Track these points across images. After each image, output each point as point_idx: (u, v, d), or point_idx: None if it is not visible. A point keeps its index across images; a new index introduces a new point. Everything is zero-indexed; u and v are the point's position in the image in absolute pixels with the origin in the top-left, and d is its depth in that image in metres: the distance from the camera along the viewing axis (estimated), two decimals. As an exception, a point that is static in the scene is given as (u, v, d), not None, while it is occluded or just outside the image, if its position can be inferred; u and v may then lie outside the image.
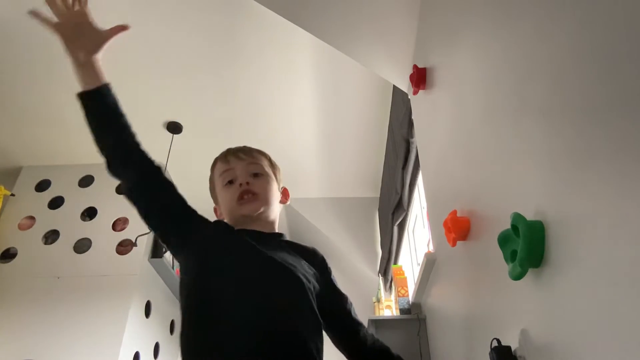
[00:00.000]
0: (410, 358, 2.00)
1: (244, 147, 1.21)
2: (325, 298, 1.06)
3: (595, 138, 0.65)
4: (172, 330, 3.45)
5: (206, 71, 2.81)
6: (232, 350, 0.87)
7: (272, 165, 1.21)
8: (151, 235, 3.15)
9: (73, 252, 3.08)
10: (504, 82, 1.00)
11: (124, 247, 3.12)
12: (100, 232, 3.17)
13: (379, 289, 3.34)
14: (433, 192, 1.84)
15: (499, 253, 0.94)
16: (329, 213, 3.92)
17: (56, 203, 3.32)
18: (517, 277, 0.85)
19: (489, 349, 0.96)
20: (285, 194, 1.21)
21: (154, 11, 2.45)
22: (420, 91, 1.90)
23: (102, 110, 1.06)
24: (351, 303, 1.15)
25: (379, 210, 3.75)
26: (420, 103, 1.98)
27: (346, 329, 1.12)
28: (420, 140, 2.04)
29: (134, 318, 2.88)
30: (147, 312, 3.10)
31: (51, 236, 3.18)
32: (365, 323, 2.40)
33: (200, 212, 1.10)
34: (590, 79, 0.66)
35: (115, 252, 3.09)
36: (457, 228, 1.29)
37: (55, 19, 1.05)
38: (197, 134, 3.28)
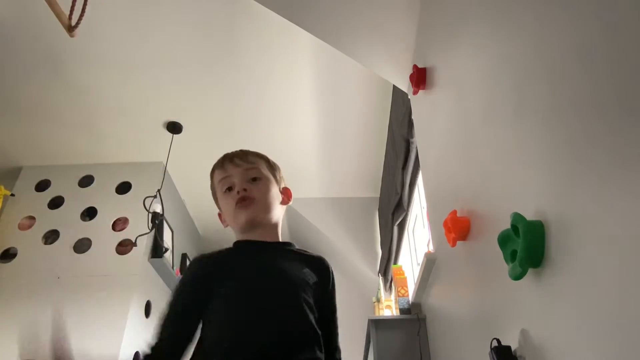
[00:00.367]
0: (410, 358, 2.00)
1: (241, 151, 1.20)
2: (319, 307, 1.05)
3: (596, 138, 0.65)
4: (172, 330, 3.45)
5: (206, 71, 2.81)
6: None
7: (271, 166, 1.20)
8: (151, 235, 3.15)
9: (73, 252, 3.08)
10: (504, 82, 1.00)
11: (124, 247, 3.12)
12: (100, 232, 3.17)
13: (379, 289, 3.34)
14: (433, 192, 1.84)
15: (499, 253, 0.94)
16: (329, 213, 3.92)
17: (56, 203, 3.31)
18: (517, 277, 0.85)
19: (489, 349, 0.96)
20: (286, 193, 1.20)
21: (155, 11, 2.45)
22: (420, 91, 1.90)
23: None
24: (336, 327, 1.10)
25: (379, 210, 3.75)
26: (420, 103, 1.98)
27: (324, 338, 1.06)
28: (420, 140, 2.04)
29: (134, 318, 2.88)
30: (147, 312, 3.10)
31: (51, 236, 3.18)
32: (365, 323, 2.40)
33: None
34: (590, 78, 0.66)
35: (115, 252, 3.09)
36: (457, 228, 1.29)
37: None
38: (197, 134, 3.28)
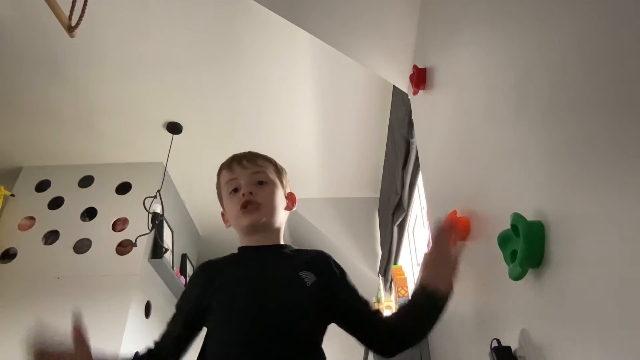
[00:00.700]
0: (410, 358, 1.99)
1: (249, 153, 1.20)
2: (335, 300, 1.05)
3: (596, 138, 0.65)
4: (172, 331, 3.45)
5: (206, 71, 2.81)
6: None
7: (278, 170, 1.20)
8: (151, 235, 3.15)
9: (73, 252, 3.08)
10: (504, 82, 1.00)
11: (124, 247, 3.12)
12: (100, 232, 3.17)
13: (379, 289, 3.34)
14: (433, 193, 1.84)
15: (498, 253, 0.94)
16: (328, 213, 3.92)
17: (56, 203, 3.32)
18: (517, 277, 0.85)
19: (489, 349, 0.96)
20: (291, 199, 1.20)
21: (155, 11, 2.45)
22: (420, 91, 1.90)
23: None
24: (367, 302, 1.09)
25: (379, 210, 3.74)
26: (420, 103, 1.98)
27: (367, 325, 1.06)
28: (420, 140, 2.04)
29: (134, 318, 2.88)
30: (147, 313, 3.10)
31: (51, 236, 3.18)
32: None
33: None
34: (591, 79, 0.66)
35: (115, 252, 3.09)
36: (457, 228, 1.29)
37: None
38: (197, 135, 3.28)
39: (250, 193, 1.10)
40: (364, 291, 1.12)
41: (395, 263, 3.12)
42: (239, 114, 3.14)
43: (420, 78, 1.83)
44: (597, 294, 0.64)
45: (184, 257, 3.83)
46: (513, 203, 0.94)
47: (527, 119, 0.88)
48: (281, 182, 1.18)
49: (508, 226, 0.87)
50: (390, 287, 3.17)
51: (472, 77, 1.25)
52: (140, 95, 2.96)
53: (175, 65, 2.76)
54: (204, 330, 1.06)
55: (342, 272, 1.12)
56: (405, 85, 2.22)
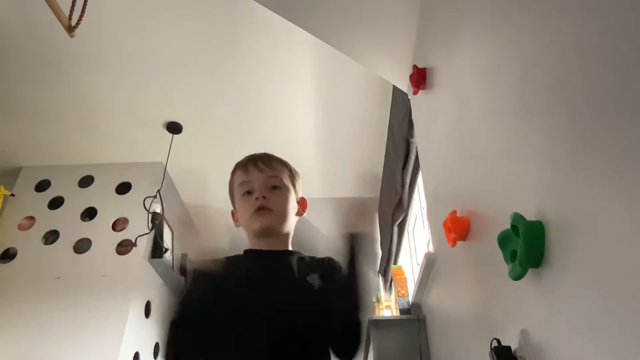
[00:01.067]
0: (410, 358, 2.00)
1: (265, 155, 1.19)
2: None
3: (596, 138, 0.65)
4: (172, 331, 3.45)
5: (206, 71, 2.81)
6: None
7: (292, 175, 1.20)
8: (151, 235, 3.15)
9: (73, 252, 3.08)
10: (504, 82, 1.00)
11: (124, 247, 3.12)
12: (100, 232, 3.17)
13: (379, 289, 3.34)
14: (433, 192, 1.84)
15: (498, 253, 0.94)
16: (328, 213, 3.92)
17: (56, 203, 3.32)
18: (517, 277, 0.85)
19: (489, 349, 0.96)
20: (302, 204, 1.21)
21: (155, 12, 2.44)
22: (420, 91, 1.90)
23: None
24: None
25: (379, 210, 3.74)
26: (420, 103, 1.98)
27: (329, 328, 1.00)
28: (420, 140, 2.04)
29: (134, 318, 2.88)
30: (147, 312, 3.10)
31: (51, 236, 3.18)
32: (365, 324, 2.40)
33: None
34: (590, 79, 0.66)
35: (115, 252, 3.09)
36: (457, 228, 1.29)
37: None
38: (197, 134, 3.28)
39: (264, 197, 1.09)
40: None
41: (395, 263, 3.12)
42: (239, 114, 3.14)
43: (420, 78, 1.84)
44: (597, 294, 0.64)
45: (184, 257, 3.83)
46: (513, 203, 0.94)
47: (527, 119, 0.88)
48: (294, 186, 1.18)
49: (508, 226, 0.87)
50: (390, 287, 3.17)
51: (472, 77, 1.25)
52: (141, 95, 2.96)
53: (175, 66, 2.76)
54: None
55: (351, 266, 1.09)
56: (405, 85, 2.22)
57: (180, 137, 3.26)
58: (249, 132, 3.27)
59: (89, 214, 3.29)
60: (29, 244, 3.10)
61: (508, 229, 0.88)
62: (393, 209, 2.88)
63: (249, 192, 1.12)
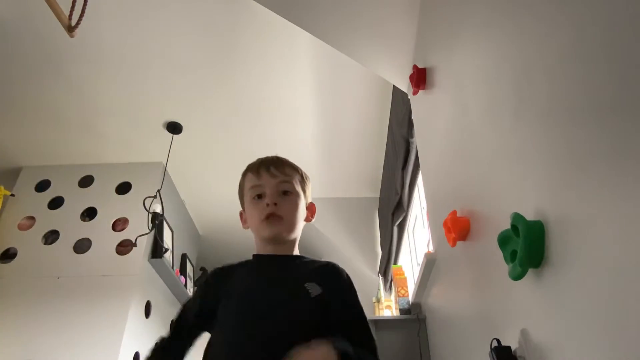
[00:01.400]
0: (411, 358, 2.00)
1: (278, 159, 1.19)
2: (331, 313, 1.01)
3: (595, 138, 0.65)
4: (172, 331, 3.45)
5: (206, 71, 2.81)
6: None
7: (303, 180, 1.19)
8: (151, 235, 3.14)
9: (73, 252, 3.08)
10: (504, 82, 1.00)
11: (124, 247, 3.12)
12: (100, 232, 3.17)
13: (379, 289, 3.34)
14: (433, 192, 1.84)
15: (499, 253, 0.94)
16: (329, 213, 3.92)
17: (56, 203, 3.31)
18: (517, 277, 0.85)
19: (489, 349, 0.96)
20: (311, 210, 1.20)
21: (155, 11, 2.44)
22: (420, 91, 1.90)
23: None
24: (360, 328, 1.02)
25: (379, 210, 3.75)
26: (420, 103, 1.99)
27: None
28: (420, 140, 2.04)
29: (134, 318, 2.88)
30: (147, 313, 3.10)
31: (51, 236, 3.18)
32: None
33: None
34: (589, 80, 0.66)
35: (115, 252, 3.08)
36: (457, 228, 1.29)
37: None
38: (197, 135, 3.28)
39: (275, 204, 1.09)
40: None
41: (395, 263, 3.12)
42: (239, 114, 3.14)
43: (420, 78, 1.84)
44: (597, 294, 0.64)
45: (184, 257, 3.83)
46: (513, 203, 0.94)
47: (527, 119, 0.88)
48: (304, 192, 1.18)
49: (508, 226, 0.87)
50: (390, 287, 3.17)
51: (472, 77, 1.25)
52: (141, 95, 2.96)
53: (175, 66, 2.76)
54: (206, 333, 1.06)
55: (347, 288, 1.08)
56: (405, 85, 2.22)
57: (181, 137, 3.26)
58: (249, 132, 3.27)
59: (89, 214, 3.29)
60: (29, 244, 3.10)
61: (508, 229, 0.88)
62: (393, 209, 2.88)
63: (259, 196, 1.12)
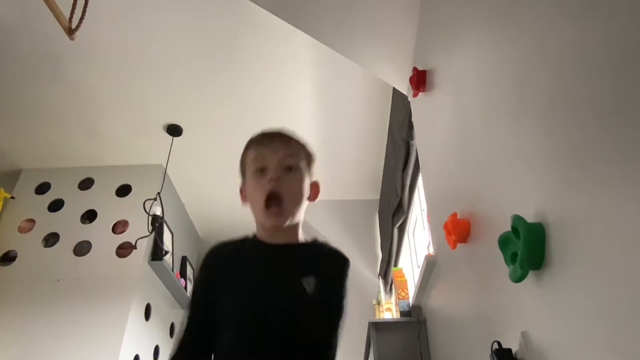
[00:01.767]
0: (411, 361, 1.99)
1: (282, 134, 1.12)
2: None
3: (595, 140, 0.65)
4: (171, 333, 3.45)
5: (206, 74, 2.81)
6: None
7: (308, 156, 1.13)
8: (151, 237, 3.14)
9: (73, 254, 3.08)
10: (504, 84, 1.00)
11: (124, 249, 3.12)
12: (100, 234, 3.16)
13: (379, 292, 3.33)
14: (433, 194, 1.84)
15: (499, 255, 0.94)
16: (329, 215, 3.92)
17: (56, 206, 3.31)
18: (518, 279, 0.85)
19: (490, 352, 0.96)
20: (315, 189, 1.13)
21: (156, 13, 2.45)
22: (420, 93, 1.90)
23: None
24: (323, 331, 0.98)
25: (379, 212, 3.74)
26: (420, 105, 1.99)
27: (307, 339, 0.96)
28: (420, 142, 2.04)
29: (134, 321, 2.87)
30: (147, 315, 3.10)
31: (51, 239, 3.18)
32: (365, 326, 2.38)
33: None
34: (589, 80, 0.66)
35: (115, 254, 3.08)
36: (457, 230, 1.29)
37: None
38: (197, 137, 3.28)
39: (277, 179, 1.02)
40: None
41: (395, 265, 3.11)
42: (239, 117, 3.14)
43: (420, 80, 1.84)
44: (597, 296, 0.64)
45: (184, 259, 3.83)
46: (513, 205, 0.94)
47: (527, 121, 0.88)
48: (309, 170, 1.12)
49: (508, 228, 0.87)
50: (391, 289, 3.16)
51: (471, 79, 1.25)
52: (141, 98, 2.96)
53: (175, 68, 2.77)
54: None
55: (339, 280, 1.04)
56: (405, 88, 2.22)
57: (181, 140, 3.26)
58: (249, 134, 3.26)
59: (89, 216, 3.28)
60: (29, 247, 3.10)
61: (508, 231, 0.88)
62: (393, 211, 2.88)
63: (262, 171, 1.06)
